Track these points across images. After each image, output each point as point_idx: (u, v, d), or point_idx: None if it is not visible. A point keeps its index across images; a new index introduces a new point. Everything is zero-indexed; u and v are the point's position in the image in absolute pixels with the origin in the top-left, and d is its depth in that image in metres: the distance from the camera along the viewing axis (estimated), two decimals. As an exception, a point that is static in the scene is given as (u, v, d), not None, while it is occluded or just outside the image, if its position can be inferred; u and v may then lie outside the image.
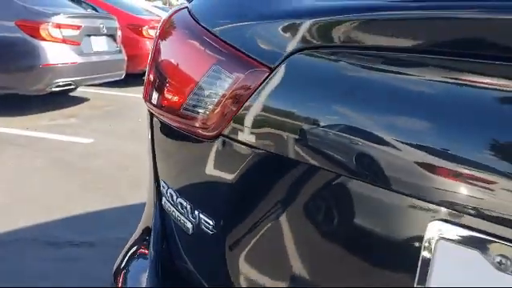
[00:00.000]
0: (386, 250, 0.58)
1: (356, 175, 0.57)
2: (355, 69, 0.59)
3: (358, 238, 0.59)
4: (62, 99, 6.59)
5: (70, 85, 5.91)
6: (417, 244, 0.53)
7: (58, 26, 5.55)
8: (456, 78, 0.52)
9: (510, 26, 0.50)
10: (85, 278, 2.31)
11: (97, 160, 4.23)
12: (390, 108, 0.55)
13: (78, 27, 5.85)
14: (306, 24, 0.63)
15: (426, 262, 0.53)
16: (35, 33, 5.41)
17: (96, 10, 8.80)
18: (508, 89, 0.50)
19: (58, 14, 5.69)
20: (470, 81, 0.51)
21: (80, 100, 6.83)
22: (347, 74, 0.59)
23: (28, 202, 3.25)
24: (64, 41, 5.62)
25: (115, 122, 5.62)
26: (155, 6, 13.35)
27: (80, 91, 7.06)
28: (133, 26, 8.25)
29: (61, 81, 5.64)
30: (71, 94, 6.97)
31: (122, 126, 5.37)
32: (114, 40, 6.71)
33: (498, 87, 0.50)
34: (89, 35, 6.06)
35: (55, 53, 5.50)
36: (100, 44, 6.30)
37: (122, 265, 1.03)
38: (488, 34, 0.52)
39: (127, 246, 1.06)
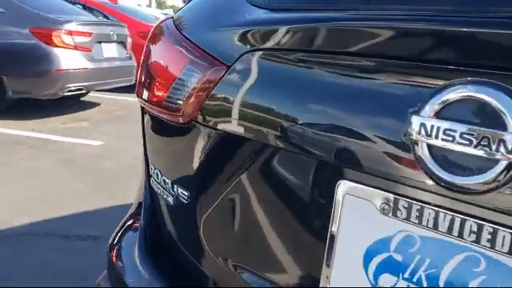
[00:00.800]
0: (313, 203, 0.75)
1: (288, 146, 0.75)
2: (286, 65, 0.77)
3: (291, 194, 0.77)
4: (73, 104, 6.81)
5: (81, 90, 6.13)
6: (331, 197, 0.70)
7: (70, 33, 5.78)
8: (341, 73, 0.70)
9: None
10: (89, 266, 2.49)
11: (106, 161, 4.42)
12: (307, 92, 0.72)
13: (90, 34, 6.06)
14: (252, 32, 0.81)
15: (338, 211, 0.70)
16: (48, 39, 5.63)
17: (107, 18, 9.06)
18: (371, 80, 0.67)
19: (71, 21, 5.92)
20: (348, 74, 0.69)
21: (91, 105, 7.05)
22: (281, 68, 0.77)
23: (40, 199, 3.44)
24: (76, 47, 5.84)
25: (124, 126, 5.82)
26: (165, 14, 13.62)
27: (91, 96, 7.27)
28: (143, 34, 8.46)
29: (72, 86, 5.86)
30: (83, 98, 7.19)
31: (131, 130, 5.57)
32: (124, 47, 6.92)
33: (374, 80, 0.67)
34: (100, 42, 6.27)
35: (67, 59, 5.72)
36: (110, 50, 6.51)
37: (117, 237, 1.21)
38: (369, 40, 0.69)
39: (122, 221, 1.24)
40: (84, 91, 6.36)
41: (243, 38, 0.83)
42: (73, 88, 5.90)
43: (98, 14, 9.23)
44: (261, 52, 0.79)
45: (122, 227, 1.22)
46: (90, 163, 4.36)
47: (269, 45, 0.79)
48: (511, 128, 0.51)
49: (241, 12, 0.88)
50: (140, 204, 1.18)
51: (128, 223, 1.21)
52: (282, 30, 0.76)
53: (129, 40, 7.07)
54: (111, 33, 6.52)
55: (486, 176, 0.52)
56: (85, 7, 9.42)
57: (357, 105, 0.66)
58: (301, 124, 0.72)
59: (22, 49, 5.67)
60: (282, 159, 0.77)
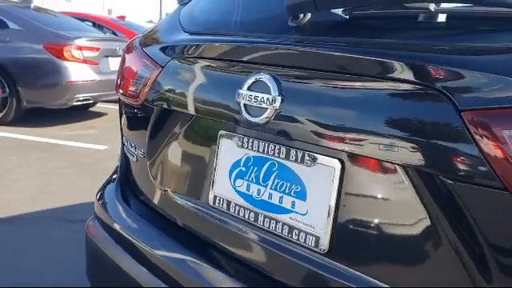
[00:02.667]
0: (209, 146, 1.27)
1: (196, 113, 1.27)
2: (192, 66, 1.30)
3: (198, 142, 1.29)
4: (82, 113, 7.40)
5: (88, 100, 6.70)
6: (215, 142, 1.23)
7: (80, 48, 6.38)
8: (217, 70, 1.23)
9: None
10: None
11: (109, 162, 4.94)
12: (202, 81, 1.25)
13: (97, 49, 6.66)
14: (176, 46, 1.35)
15: (220, 150, 1.22)
16: (60, 54, 6.24)
17: (115, 34, 9.68)
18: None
19: (80, 37, 6.53)
20: (219, 70, 1.22)
21: (98, 114, 7.63)
22: (189, 67, 1.31)
23: (51, 193, 4.00)
24: (84, 61, 6.44)
25: (128, 132, 6.37)
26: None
27: (98, 107, 7.86)
28: (148, 49, 9.03)
29: (81, 96, 6.45)
30: (91, 109, 7.77)
31: (134, 136, 6.12)
32: (129, 61, 7.49)
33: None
34: (107, 56, 6.86)
35: (76, 71, 6.31)
36: (116, 64, 7.02)
37: (101, 190, 1.73)
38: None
39: (106, 180, 1.77)
40: (91, 101, 6.94)
41: (171, 50, 1.37)
42: (81, 98, 6.48)
43: (106, 31, 9.85)
44: (180, 58, 1.33)
45: (105, 183, 1.75)
46: (95, 164, 4.90)
47: (183, 54, 1.33)
48: (271, 93, 1.03)
49: (175, 34, 1.43)
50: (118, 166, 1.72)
51: (110, 180, 1.74)
52: (189, 45, 1.31)
53: (134, 54, 7.63)
54: (117, 48, 7.09)
55: (265, 115, 1.04)
56: (94, 24, 10.07)
57: (221, 86, 1.19)
58: (200, 99, 1.25)
59: (36, 63, 6.28)
60: (193, 121, 1.30)
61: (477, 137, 0.74)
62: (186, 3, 1.65)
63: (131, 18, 14.57)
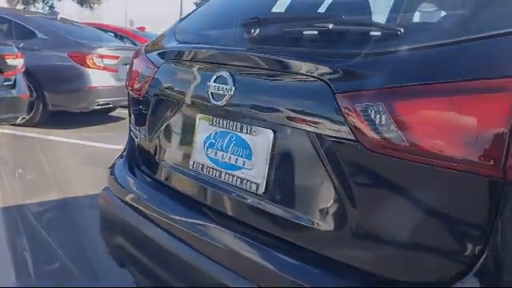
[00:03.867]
0: (191, 126, 1.71)
1: (182, 101, 1.72)
2: (179, 66, 1.75)
3: (184, 122, 1.74)
4: (103, 117, 7.93)
5: (108, 104, 7.24)
6: (195, 122, 1.67)
7: (101, 57, 6.93)
8: (196, 69, 1.68)
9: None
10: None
11: (125, 160, 5.44)
12: (187, 76, 1.70)
13: (117, 57, 7.20)
14: (169, 52, 1.80)
15: (197, 128, 1.66)
16: (83, 62, 6.80)
17: (135, 44, 10.23)
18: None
19: (102, 47, 7.09)
20: (199, 69, 1.66)
21: (117, 119, 8.15)
22: (177, 68, 1.76)
23: (72, 185, 4.48)
24: (105, 68, 6.99)
25: (143, 135, 6.88)
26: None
27: (118, 112, 8.38)
28: (165, 58, 9.56)
29: (101, 100, 7.00)
30: (110, 113, 8.31)
31: (149, 138, 6.62)
32: (147, 69, 8.03)
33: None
34: (125, 64, 7.33)
35: (98, 78, 6.87)
36: (135, 72, 7.60)
37: (113, 165, 2.19)
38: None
39: (117, 157, 2.22)
40: (111, 105, 7.47)
41: (165, 54, 1.83)
42: (101, 102, 7.03)
43: (127, 41, 10.42)
44: (171, 60, 1.79)
45: (115, 160, 2.21)
46: (112, 161, 5.38)
47: (174, 57, 1.78)
48: (228, 84, 1.46)
49: (169, 43, 1.89)
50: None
51: (119, 157, 2.20)
52: (178, 51, 1.76)
53: (151, 63, 8.17)
54: (136, 57, 7.62)
55: (224, 99, 1.48)
56: (116, 35, 10.65)
57: (197, 80, 1.64)
58: (183, 91, 1.70)
59: (61, 69, 6.86)
60: (180, 107, 1.75)
61: (343, 109, 1.18)
62: (183, 19, 2.11)
63: (152, 29, 15.17)
